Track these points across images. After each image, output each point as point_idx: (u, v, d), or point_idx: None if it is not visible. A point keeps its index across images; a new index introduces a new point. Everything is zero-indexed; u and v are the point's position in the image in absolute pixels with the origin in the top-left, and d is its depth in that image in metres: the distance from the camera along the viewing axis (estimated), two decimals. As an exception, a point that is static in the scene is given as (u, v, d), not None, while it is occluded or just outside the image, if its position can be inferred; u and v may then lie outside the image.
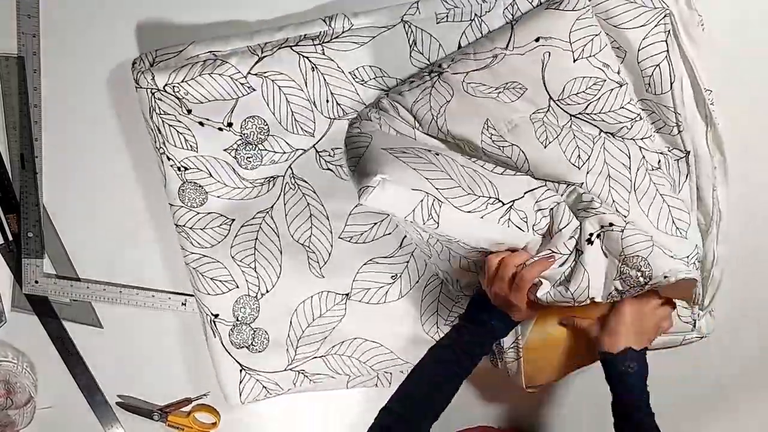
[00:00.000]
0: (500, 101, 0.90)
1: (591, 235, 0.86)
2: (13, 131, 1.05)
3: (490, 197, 0.86)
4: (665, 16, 0.90)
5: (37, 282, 1.09)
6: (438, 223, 0.83)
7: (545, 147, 0.90)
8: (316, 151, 0.97)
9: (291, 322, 1.03)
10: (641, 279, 0.84)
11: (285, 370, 1.04)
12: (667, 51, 0.90)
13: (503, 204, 0.86)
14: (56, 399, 1.13)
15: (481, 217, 0.84)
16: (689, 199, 0.95)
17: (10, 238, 1.09)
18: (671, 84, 0.91)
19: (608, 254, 0.86)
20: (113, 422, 1.14)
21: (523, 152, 0.90)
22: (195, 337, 1.10)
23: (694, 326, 0.99)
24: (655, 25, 0.89)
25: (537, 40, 0.88)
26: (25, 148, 1.05)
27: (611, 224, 0.86)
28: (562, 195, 0.91)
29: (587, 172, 0.91)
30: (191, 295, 1.08)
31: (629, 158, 0.91)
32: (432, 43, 0.93)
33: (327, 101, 0.95)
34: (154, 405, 1.13)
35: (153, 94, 0.94)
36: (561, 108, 0.90)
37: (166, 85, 0.93)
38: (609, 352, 0.86)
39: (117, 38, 1.02)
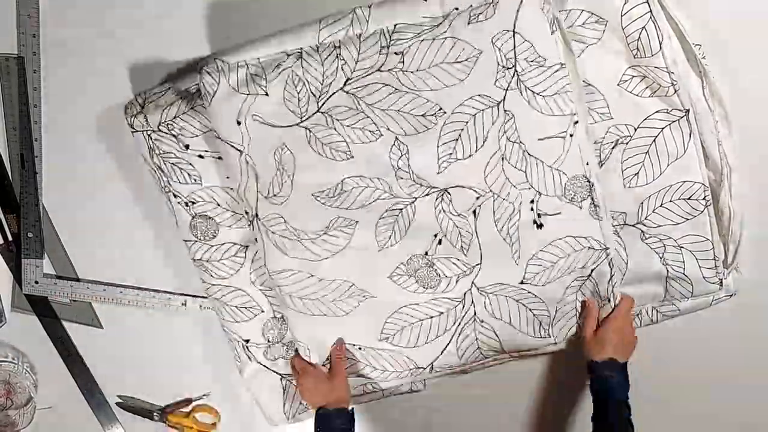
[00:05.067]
0: None
1: None
2: (13, 131, 1.05)
3: None
4: None
5: (37, 282, 1.09)
6: None
7: None
8: None
9: None
10: None
11: None
12: (650, 11, 0.88)
13: None
14: (56, 399, 1.13)
15: None
16: (696, 156, 0.93)
17: (10, 238, 1.09)
18: (660, 43, 0.89)
19: None
20: (113, 422, 1.14)
21: None
22: (195, 338, 1.10)
23: (721, 285, 0.98)
24: None
25: None
26: (25, 148, 1.05)
27: None
28: None
29: None
30: (191, 296, 1.08)
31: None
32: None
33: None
34: (154, 405, 1.13)
35: (149, 135, 0.95)
36: None
37: (160, 124, 0.94)
38: (594, 360, 0.92)
39: (117, 38, 1.02)
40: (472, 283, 0.97)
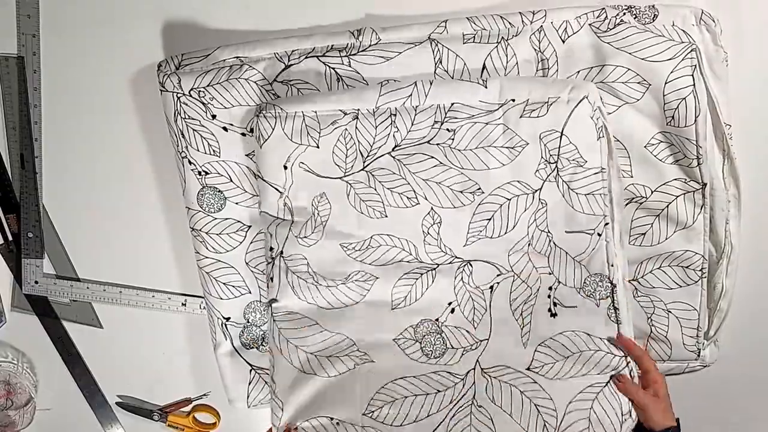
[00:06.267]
0: None
1: None
2: (13, 131, 1.05)
3: None
4: (692, 50, 0.91)
5: (37, 282, 1.09)
6: None
7: None
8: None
9: None
10: None
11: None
12: (694, 85, 0.92)
13: None
14: (56, 399, 1.13)
15: None
16: (702, 229, 0.96)
17: (10, 238, 1.09)
18: (696, 118, 0.92)
19: None
20: (113, 422, 1.14)
21: None
22: (195, 337, 1.10)
23: (698, 355, 1.01)
24: (682, 59, 0.91)
25: None
26: (25, 148, 1.05)
27: None
28: None
29: None
30: (191, 296, 1.08)
31: None
32: (457, 62, 0.94)
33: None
34: (154, 405, 1.13)
35: (179, 98, 0.95)
36: None
37: (191, 89, 0.94)
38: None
39: (117, 39, 1.02)
40: (477, 361, 0.95)
